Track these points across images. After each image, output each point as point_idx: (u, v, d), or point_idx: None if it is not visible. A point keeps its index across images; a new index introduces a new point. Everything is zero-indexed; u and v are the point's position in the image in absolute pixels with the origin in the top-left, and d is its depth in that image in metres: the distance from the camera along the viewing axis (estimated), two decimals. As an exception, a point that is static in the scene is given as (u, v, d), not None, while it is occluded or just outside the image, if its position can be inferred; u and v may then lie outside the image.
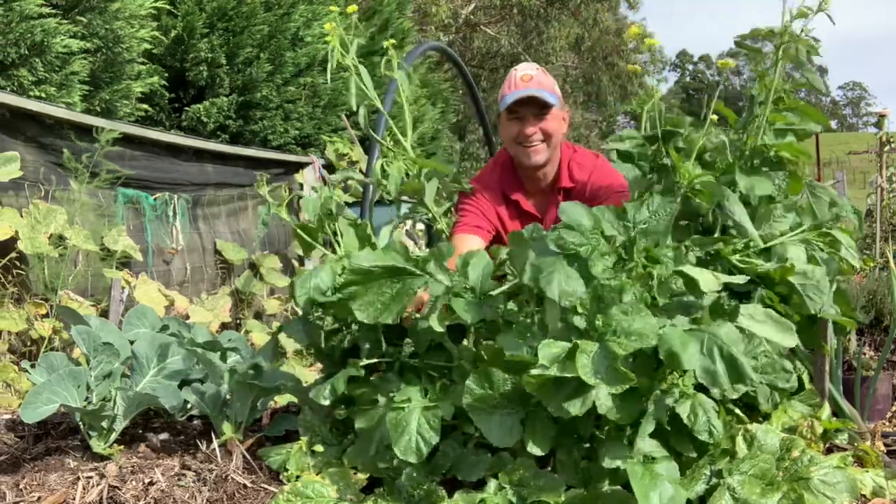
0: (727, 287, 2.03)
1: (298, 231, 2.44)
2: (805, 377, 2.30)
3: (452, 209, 3.05)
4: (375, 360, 2.23)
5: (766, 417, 2.13)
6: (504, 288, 2.14)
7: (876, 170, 7.84)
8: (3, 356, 4.07)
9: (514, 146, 2.92)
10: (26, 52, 5.39)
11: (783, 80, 2.36)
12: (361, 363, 2.20)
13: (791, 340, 2.00)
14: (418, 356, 2.25)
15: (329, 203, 2.44)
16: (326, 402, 2.16)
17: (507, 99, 2.85)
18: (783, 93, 2.39)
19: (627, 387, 1.73)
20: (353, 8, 2.66)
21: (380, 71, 2.81)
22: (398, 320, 2.08)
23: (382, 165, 2.72)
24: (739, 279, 2.06)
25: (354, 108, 2.66)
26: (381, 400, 2.14)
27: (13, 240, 4.32)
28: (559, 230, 1.95)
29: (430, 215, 2.90)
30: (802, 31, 2.29)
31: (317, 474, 2.08)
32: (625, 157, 2.44)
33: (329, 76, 2.77)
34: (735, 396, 1.96)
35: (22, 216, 4.48)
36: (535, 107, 2.85)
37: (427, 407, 2.02)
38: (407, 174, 2.77)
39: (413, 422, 1.98)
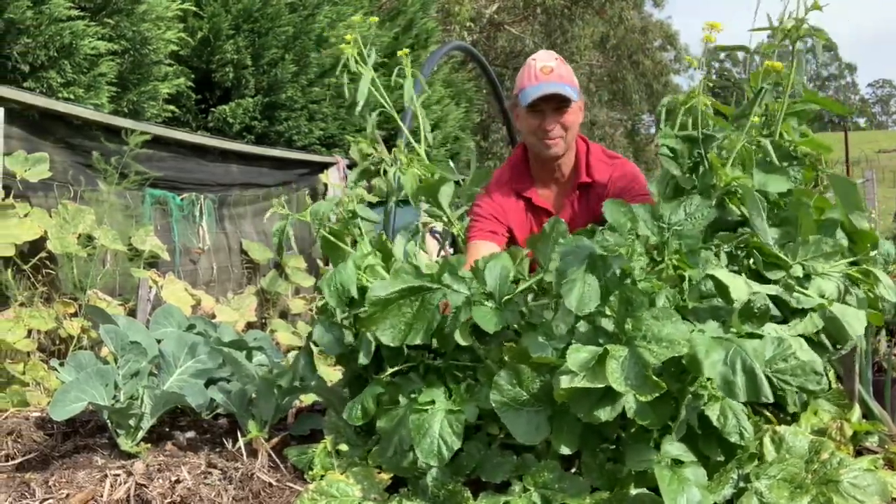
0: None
1: (326, 237, 2.45)
2: (833, 377, 2.28)
3: (467, 213, 3.05)
4: (400, 368, 2.23)
5: (795, 418, 2.11)
6: (523, 286, 2.13)
7: (906, 168, 7.71)
8: (33, 354, 4.12)
9: (532, 138, 2.89)
10: (55, 54, 5.46)
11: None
12: (386, 374, 2.21)
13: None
14: (442, 357, 2.24)
15: (350, 205, 2.44)
16: (358, 423, 2.16)
17: (527, 94, 2.79)
18: (801, 85, 2.36)
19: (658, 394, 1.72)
20: (373, 19, 2.68)
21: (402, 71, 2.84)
22: (429, 339, 2.08)
23: (397, 171, 2.74)
24: (771, 288, 2.04)
25: (358, 113, 2.69)
26: (403, 400, 2.14)
27: (42, 239, 4.37)
28: (603, 232, 1.94)
29: (446, 219, 2.90)
30: (800, 24, 2.27)
31: (341, 474, 2.08)
32: (673, 153, 2.41)
33: (346, 83, 2.79)
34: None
35: (51, 216, 4.54)
36: (555, 102, 2.80)
37: (451, 410, 2.01)
38: (421, 180, 2.79)
39: (436, 425, 1.97)
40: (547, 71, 2.81)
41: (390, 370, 2.21)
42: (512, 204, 2.91)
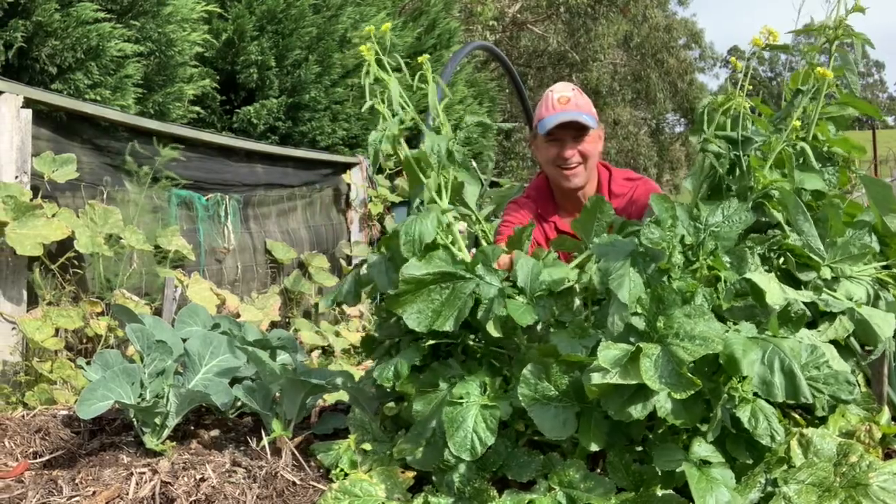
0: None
1: (411, 162, 2.28)
2: (861, 380, 2.25)
3: (495, 215, 3.05)
4: (439, 342, 2.18)
5: (823, 421, 2.08)
6: (560, 275, 2.11)
7: (936, 167, 7.60)
8: (60, 353, 4.17)
9: (551, 168, 2.90)
10: (82, 56, 5.51)
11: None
12: (426, 344, 2.15)
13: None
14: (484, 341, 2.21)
15: (451, 145, 2.27)
16: (388, 384, 2.11)
17: (545, 123, 2.83)
18: (835, 87, 2.34)
19: (692, 392, 1.71)
20: (385, 27, 2.66)
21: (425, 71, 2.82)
22: (457, 328, 2.05)
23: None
24: (805, 295, 2.02)
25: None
26: (443, 385, 2.10)
27: (70, 239, 4.42)
28: (649, 225, 1.93)
29: (473, 217, 2.90)
30: (841, 24, 2.24)
31: (365, 473, 2.08)
32: (716, 156, 2.38)
33: (366, 87, 2.75)
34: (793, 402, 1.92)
35: (78, 216, 4.58)
36: (573, 130, 2.83)
37: (485, 405, 1.98)
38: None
39: (469, 419, 1.95)
40: (564, 101, 2.84)
41: (431, 340, 2.16)
42: (537, 232, 2.93)
